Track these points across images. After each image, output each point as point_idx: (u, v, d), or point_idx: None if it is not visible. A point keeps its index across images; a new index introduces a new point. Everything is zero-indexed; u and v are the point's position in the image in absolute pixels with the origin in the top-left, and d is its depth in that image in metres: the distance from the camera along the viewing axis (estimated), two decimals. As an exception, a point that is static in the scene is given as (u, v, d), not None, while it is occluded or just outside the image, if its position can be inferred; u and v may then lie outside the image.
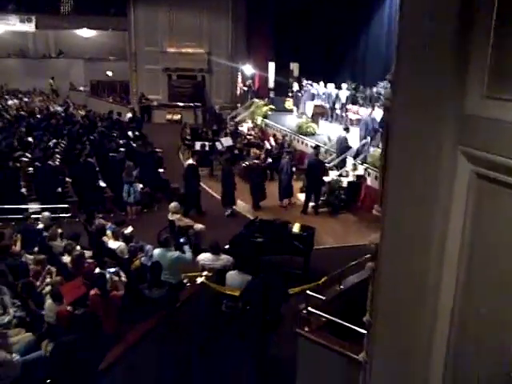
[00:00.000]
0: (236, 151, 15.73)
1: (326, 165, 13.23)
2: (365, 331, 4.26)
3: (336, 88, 18.49)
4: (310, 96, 19.55)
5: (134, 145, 15.77)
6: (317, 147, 13.64)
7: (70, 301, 6.03)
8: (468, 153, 2.51)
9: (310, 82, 20.17)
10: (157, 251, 7.32)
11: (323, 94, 19.09)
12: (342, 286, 6.57)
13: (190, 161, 12.70)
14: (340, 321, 4.96)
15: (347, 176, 12.51)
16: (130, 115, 22.67)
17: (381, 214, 3.29)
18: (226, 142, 15.89)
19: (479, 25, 2.26)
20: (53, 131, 18.07)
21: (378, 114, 14.30)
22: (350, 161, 13.22)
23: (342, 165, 13.38)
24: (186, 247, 7.40)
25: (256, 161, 14.20)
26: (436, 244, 2.67)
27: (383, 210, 3.10)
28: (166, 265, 6.89)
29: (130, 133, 18.05)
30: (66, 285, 6.46)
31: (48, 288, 6.69)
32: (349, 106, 18.10)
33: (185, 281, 7.43)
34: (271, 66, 24.53)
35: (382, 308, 3.05)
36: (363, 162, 12.91)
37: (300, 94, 20.37)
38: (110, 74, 29.60)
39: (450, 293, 2.60)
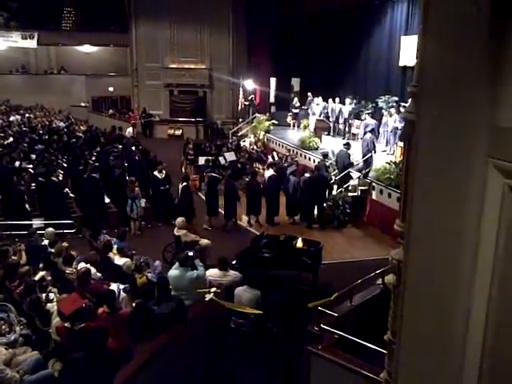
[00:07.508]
0: (239, 165, 15.69)
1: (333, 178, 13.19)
2: (384, 350, 4.18)
3: (340, 103, 18.54)
4: (311, 111, 19.64)
5: (136, 158, 15.69)
6: (321, 161, 13.61)
7: (67, 315, 5.84)
8: (500, 166, 2.45)
9: (312, 96, 20.23)
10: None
11: (324, 108, 19.14)
12: (352, 303, 6.49)
13: (270, 172, 13.01)
14: (356, 339, 4.85)
15: (354, 191, 12.41)
16: (130, 130, 22.76)
17: (404, 229, 3.23)
18: (230, 156, 15.86)
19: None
20: (55, 147, 18.04)
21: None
22: (354, 175, 13.12)
23: (344, 180, 13.25)
24: (198, 262, 7.20)
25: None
26: (467, 258, 2.59)
27: (408, 226, 3.02)
28: (185, 285, 6.72)
29: (133, 148, 18.04)
30: (62, 299, 6.31)
31: (54, 306, 6.56)
32: (351, 121, 18.11)
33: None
34: (272, 81, 24.64)
35: (408, 326, 2.95)
36: (367, 176, 12.84)
37: (300, 110, 20.43)
38: (111, 89, 29.73)
39: (483, 309, 2.51)
